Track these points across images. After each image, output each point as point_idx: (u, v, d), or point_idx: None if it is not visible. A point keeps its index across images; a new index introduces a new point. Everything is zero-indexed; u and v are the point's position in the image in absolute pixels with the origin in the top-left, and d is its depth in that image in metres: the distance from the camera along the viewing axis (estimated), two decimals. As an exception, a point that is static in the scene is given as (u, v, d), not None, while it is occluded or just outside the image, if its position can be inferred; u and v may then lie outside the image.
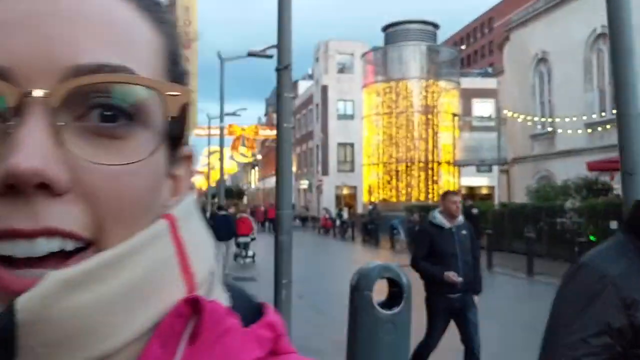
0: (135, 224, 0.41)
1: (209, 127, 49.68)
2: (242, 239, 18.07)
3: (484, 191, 48.81)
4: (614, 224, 15.29)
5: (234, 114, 31.39)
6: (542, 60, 26.17)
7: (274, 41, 6.70)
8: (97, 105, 0.39)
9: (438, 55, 34.41)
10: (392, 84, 33.40)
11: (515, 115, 26.94)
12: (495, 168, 34.95)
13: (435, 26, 34.73)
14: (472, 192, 47.79)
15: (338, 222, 30.49)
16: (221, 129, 21.01)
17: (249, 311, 0.45)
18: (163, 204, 0.45)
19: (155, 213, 0.43)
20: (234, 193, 77.18)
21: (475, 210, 17.45)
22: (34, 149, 0.36)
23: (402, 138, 32.93)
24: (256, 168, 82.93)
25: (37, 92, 0.37)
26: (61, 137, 0.37)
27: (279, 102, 6.69)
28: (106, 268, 0.38)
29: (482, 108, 44.27)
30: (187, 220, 0.45)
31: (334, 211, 37.81)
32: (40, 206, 0.37)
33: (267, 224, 37.38)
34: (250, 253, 18.63)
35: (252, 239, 18.64)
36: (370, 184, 34.28)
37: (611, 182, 20.43)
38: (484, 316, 5.99)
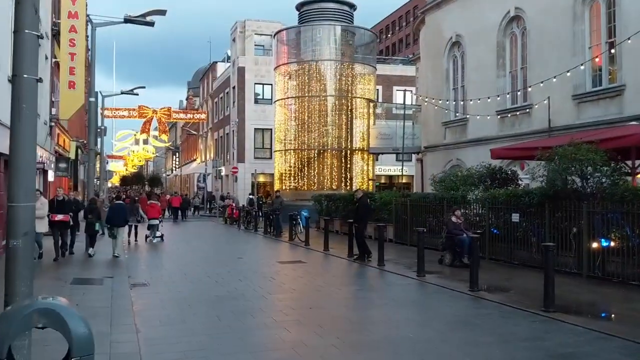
0: None
1: (110, 109, 46.41)
2: (151, 222, 21.36)
3: (404, 180, 48.08)
4: (515, 217, 14.14)
5: (131, 92, 28.73)
6: (456, 44, 25.03)
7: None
8: None
9: (354, 38, 32.85)
10: (304, 65, 31.62)
11: (427, 101, 25.76)
12: (414, 157, 33.95)
13: (352, 7, 33.10)
14: (391, 181, 46.99)
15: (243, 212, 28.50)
16: (94, 105, 18.47)
17: None
18: None
19: None
20: (151, 179, 73.79)
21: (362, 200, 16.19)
22: None
23: (314, 123, 31.26)
24: (177, 154, 79.60)
25: None
26: None
27: (15, 41, 4.71)
28: None
29: (403, 96, 43.40)
30: None
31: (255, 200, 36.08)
32: None
33: (167, 212, 35.09)
34: (158, 234, 21.26)
35: (160, 222, 22.12)
36: (282, 171, 32.47)
37: (521, 171, 19.48)
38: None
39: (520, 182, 17.48)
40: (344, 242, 16.91)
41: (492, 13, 22.44)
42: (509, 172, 17.62)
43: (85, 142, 40.64)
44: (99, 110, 46.65)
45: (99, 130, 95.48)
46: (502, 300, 9.76)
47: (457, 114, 24.60)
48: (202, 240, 23.07)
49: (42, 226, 13.65)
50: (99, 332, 7.44)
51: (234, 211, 30.45)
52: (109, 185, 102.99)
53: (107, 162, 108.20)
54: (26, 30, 4.72)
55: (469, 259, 12.05)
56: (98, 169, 37.63)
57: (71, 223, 15.80)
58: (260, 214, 28.56)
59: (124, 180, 79.17)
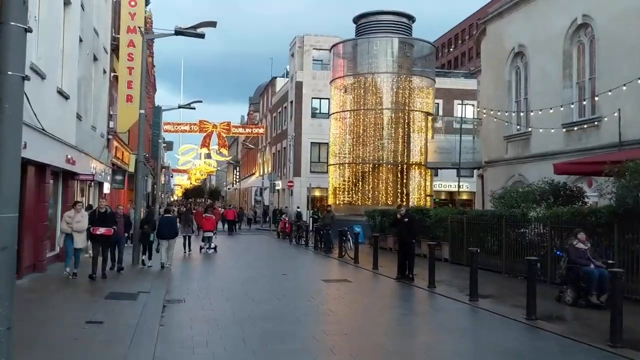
0: None
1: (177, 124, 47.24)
2: (206, 234, 22.40)
3: (465, 197, 46.52)
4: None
5: (188, 105, 28.85)
6: (519, 54, 23.82)
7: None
8: None
9: (412, 50, 31.99)
10: (360, 78, 30.98)
11: (486, 112, 24.60)
12: (476, 173, 32.64)
13: (410, 18, 32.28)
14: (452, 197, 45.50)
15: (295, 227, 28.00)
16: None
17: None
18: None
19: None
20: (211, 193, 74.77)
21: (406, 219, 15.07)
22: None
23: (370, 137, 30.50)
24: (237, 168, 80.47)
25: None
26: None
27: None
28: None
29: (462, 109, 42.05)
30: None
31: (307, 214, 35.68)
32: None
33: (222, 224, 35.04)
34: (212, 245, 22.18)
35: (215, 234, 22.87)
36: (336, 186, 31.82)
37: (588, 188, 18.10)
38: None
39: (586, 199, 16.17)
40: (396, 261, 16.04)
41: (558, 21, 21.18)
42: (574, 189, 16.34)
43: (147, 155, 41.41)
44: (162, 125, 47.61)
45: (164, 144, 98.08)
46: (563, 332, 8.72)
47: (519, 128, 23.33)
48: (251, 255, 22.67)
49: (81, 240, 13.01)
50: (114, 353, 6.99)
51: (287, 225, 30.00)
52: (175, 198, 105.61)
53: (172, 176, 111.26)
54: (11, 22, 4.28)
55: (600, 297, 10.55)
56: (162, 182, 38.13)
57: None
58: (312, 228, 27.97)
59: (186, 193, 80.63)
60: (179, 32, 17.28)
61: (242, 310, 10.17)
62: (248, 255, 22.00)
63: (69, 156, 15.55)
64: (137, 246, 16.99)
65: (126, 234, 16.17)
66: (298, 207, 35.17)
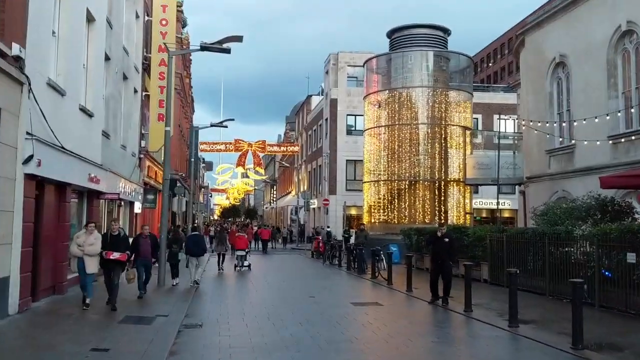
0: None
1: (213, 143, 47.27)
2: (238, 252, 23.02)
3: (507, 214, 44.98)
4: (631, 257, 11.85)
5: (221, 124, 28.58)
6: (560, 64, 22.74)
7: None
8: None
9: (448, 63, 31.11)
10: (395, 93, 30.23)
11: (525, 124, 23.51)
12: (517, 189, 31.37)
13: (446, 31, 31.46)
14: (493, 215, 44.01)
15: (328, 246, 27.22)
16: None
17: None
18: None
19: None
20: (247, 212, 74.70)
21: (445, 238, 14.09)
22: None
23: (405, 153, 29.63)
24: (274, 187, 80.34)
25: None
26: None
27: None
28: None
29: (505, 125, 40.82)
30: None
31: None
32: None
33: (256, 243, 34.56)
34: (246, 263, 22.85)
35: (247, 252, 23.36)
36: (371, 203, 30.98)
37: (638, 203, 16.87)
38: None
39: (636, 215, 14.99)
40: (430, 282, 15.12)
41: (600, 29, 20.10)
42: (623, 204, 15.19)
43: (184, 175, 41.40)
44: (198, 144, 47.68)
45: (203, 164, 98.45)
46: (614, 364, 7.75)
47: (562, 140, 22.18)
48: (281, 275, 22.04)
49: (94, 265, 11.69)
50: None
51: (320, 245, 29.26)
52: (215, 217, 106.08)
53: (212, 196, 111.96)
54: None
55: None
56: (201, 201, 37.97)
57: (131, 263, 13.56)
58: (344, 248, 27.17)
59: (223, 212, 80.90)
60: (204, 48, 16.93)
61: (260, 337, 9.48)
62: (278, 276, 21.37)
63: (92, 175, 15.24)
64: (164, 266, 16.59)
65: (154, 259, 15.06)
66: (328, 227, 34.38)
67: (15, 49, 10.00)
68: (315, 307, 12.96)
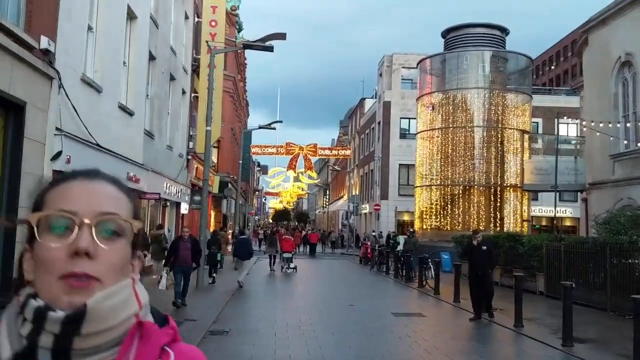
0: (118, 276, 0.94)
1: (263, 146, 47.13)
2: (285, 255, 23.78)
3: (568, 223, 42.86)
4: None
5: (269, 126, 28.24)
6: (626, 63, 21.23)
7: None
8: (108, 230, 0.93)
9: (506, 64, 29.77)
10: (449, 95, 29.13)
11: (586, 126, 22.07)
12: (580, 196, 29.70)
13: (504, 31, 30.14)
14: (553, 223, 42.01)
15: (376, 252, 26.36)
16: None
17: (161, 320, 1.00)
18: (129, 273, 0.98)
19: (126, 275, 0.97)
20: (298, 216, 74.52)
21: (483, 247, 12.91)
22: (86, 240, 0.91)
23: (460, 157, 28.48)
24: (327, 192, 79.90)
25: (87, 220, 0.92)
26: (94, 237, 0.92)
27: None
28: (115, 291, 0.92)
29: (567, 129, 38.89)
30: (138, 282, 0.99)
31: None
32: (84, 262, 0.90)
33: (304, 246, 34.08)
34: (292, 265, 23.45)
35: (293, 254, 24.11)
36: (423, 209, 29.94)
37: None
38: None
39: None
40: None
41: (673, 23, 18.61)
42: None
43: (235, 177, 41.39)
44: (250, 147, 47.70)
45: (258, 168, 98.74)
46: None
47: (627, 143, 20.66)
48: (325, 280, 21.43)
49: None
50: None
51: (369, 251, 28.45)
52: (269, 220, 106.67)
53: (266, 199, 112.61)
54: None
55: None
56: (254, 204, 37.90)
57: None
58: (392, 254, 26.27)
59: (275, 216, 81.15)
60: (247, 46, 16.61)
61: (286, 348, 8.85)
62: (320, 281, 20.77)
63: (131, 174, 15.02)
64: (203, 268, 16.28)
65: (194, 264, 13.58)
66: (373, 231, 33.53)
67: (43, 42, 9.75)
68: (353, 317, 12.23)
